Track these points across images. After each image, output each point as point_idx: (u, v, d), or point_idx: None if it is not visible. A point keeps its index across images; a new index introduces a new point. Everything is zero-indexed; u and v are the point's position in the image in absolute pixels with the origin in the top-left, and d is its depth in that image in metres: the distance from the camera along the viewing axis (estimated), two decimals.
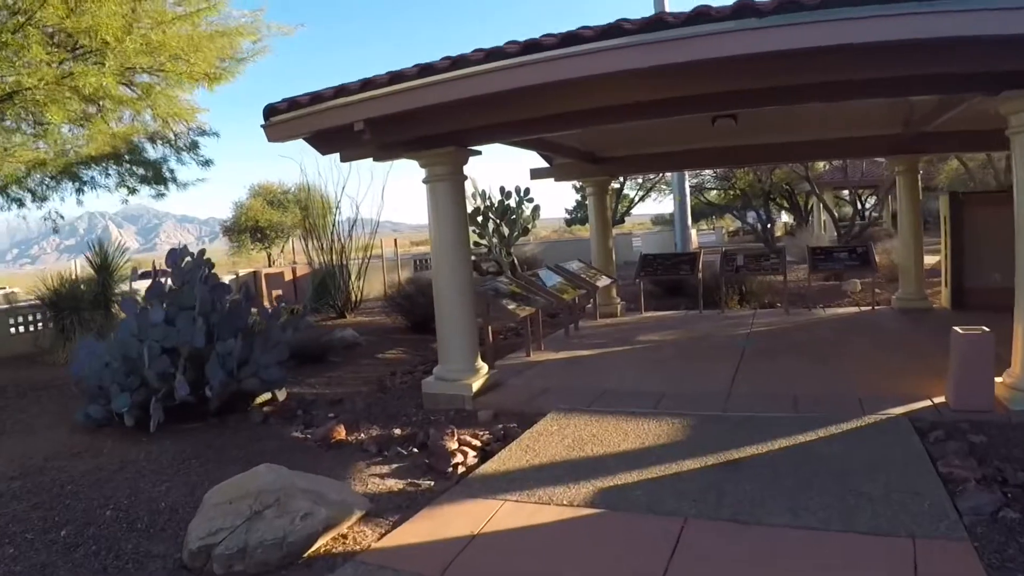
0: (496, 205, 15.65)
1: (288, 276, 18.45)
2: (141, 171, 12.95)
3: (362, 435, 6.60)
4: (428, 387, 7.28)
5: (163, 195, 13.46)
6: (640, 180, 37.36)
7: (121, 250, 12.63)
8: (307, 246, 14.87)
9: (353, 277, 14.89)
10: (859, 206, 34.33)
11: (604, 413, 6.07)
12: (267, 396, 8.08)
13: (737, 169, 26.06)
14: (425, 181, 7.07)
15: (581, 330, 10.71)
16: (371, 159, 7.65)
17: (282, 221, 26.95)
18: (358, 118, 5.93)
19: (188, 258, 7.98)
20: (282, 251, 28.35)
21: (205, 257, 8.05)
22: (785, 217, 36.68)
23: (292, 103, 6.56)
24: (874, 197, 30.57)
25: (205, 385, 6.91)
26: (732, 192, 31.74)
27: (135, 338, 7.18)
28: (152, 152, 13.17)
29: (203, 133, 13.30)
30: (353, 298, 14.89)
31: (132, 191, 13.20)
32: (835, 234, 22.47)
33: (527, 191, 15.66)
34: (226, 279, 19.30)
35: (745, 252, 13.39)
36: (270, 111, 6.74)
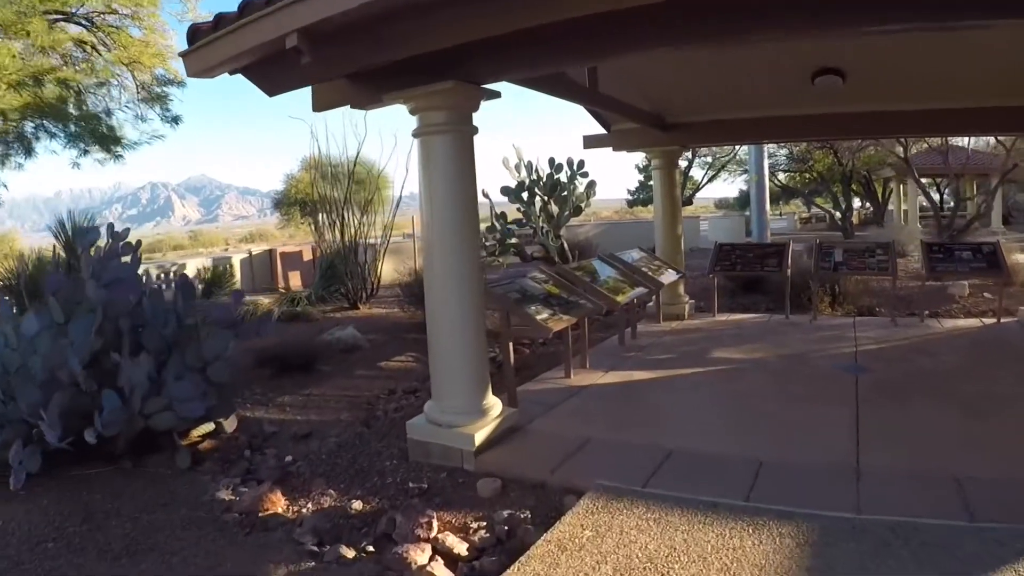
0: (544, 179, 13.37)
1: (307, 256, 16.60)
2: (72, 127, 11.07)
3: (308, 506, 4.65)
4: (416, 431, 5.20)
5: (119, 156, 11.70)
6: (710, 158, 34.35)
7: (91, 222, 10.83)
8: (316, 222, 12.89)
9: (370, 260, 12.88)
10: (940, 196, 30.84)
11: (668, 503, 3.86)
12: (208, 427, 6.16)
13: (826, 144, 23.26)
14: (416, 134, 4.93)
15: (640, 337, 8.49)
16: (361, 108, 5.53)
17: (333, 195, 25.40)
18: (291, 27, 3.84)
19: (111, 240, 6.09)
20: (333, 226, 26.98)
21: (126, 239, 6.12)
22: (856, 204, 33.47)
23: (219, 19, 4.52)
24: (955, 186, 27.15)
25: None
26: (808, 175, 28.87)
27: (15, 352, 5.31)
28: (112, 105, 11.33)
29: (169, 82, 11.43)
30: (369, 285, 12.92)
31: (84, 152, 11.44)
32: (918, 226, 19.69)
33: (581, 164, 13.33)
34: (239, 257, 17.92)
35: (844, 246, 10.88)
36: (193, 33, 4.73)
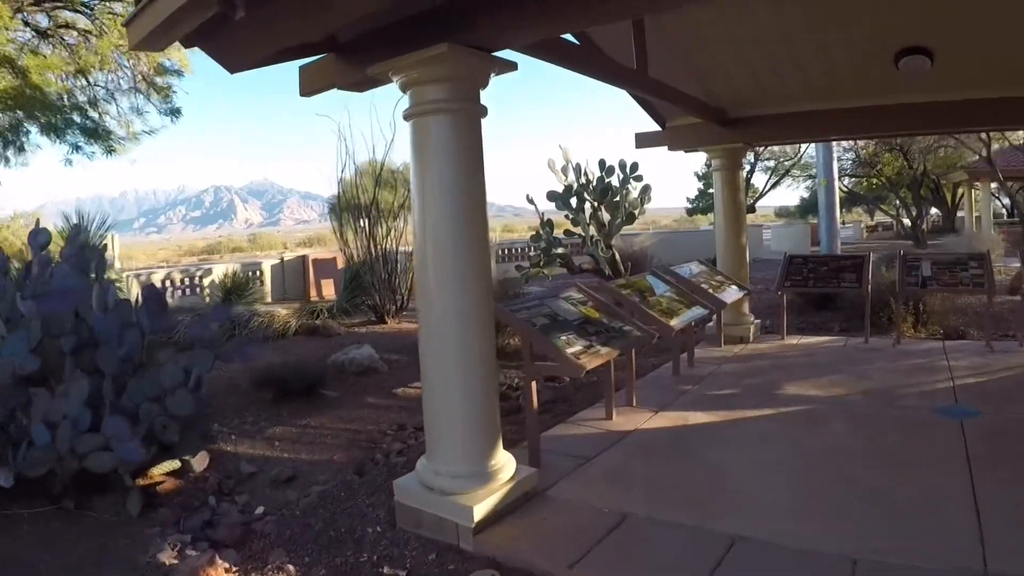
0: (595, 183, 12.22)
1: (342, 263, 15.75)
2: (50, 119, 10.30)
3: None
4: (404, 494, 4.11)
5: (112, 151, 10.94)
6: (772, 162, 32.44)
7: (100, 225, 10.08)
8: (340, 228, 11.94)
9: (402, 269, 11.89)
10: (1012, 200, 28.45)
11: None
12: (173, 465, 5.25)
13: (895, 146, 21.55)
14: (407, 116, 3.86)
15: (698, 365, 7.27)
16: (351, 88, 4.50)
17: (388, 200, 24.79)
18: None
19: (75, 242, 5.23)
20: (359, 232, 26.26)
21: (85, 242, 5.24)
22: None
23: None
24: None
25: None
26: (875, 180, 27.00)
27: None
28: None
29: (164, 71, 10.61)
30: (399, 297, 11.94)
31: (75, 148, 10.72)
32: (993, 234, 17.79)
33: (635, 166, 12.14)
34: (269, 263, 17.20)
35: (932, 258, 9.43)
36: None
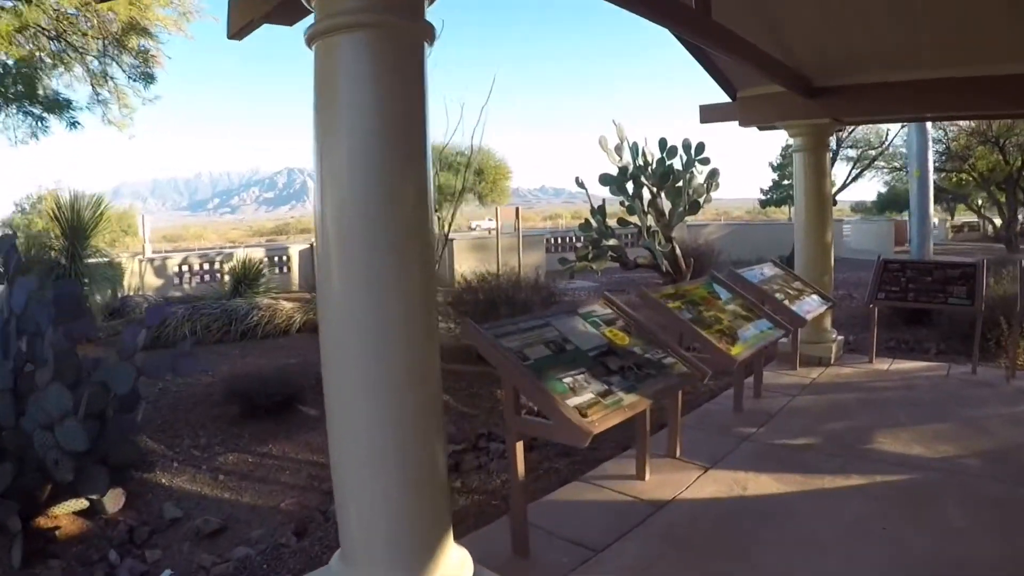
0: (654, 166, 10.69)
1: None
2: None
3: None
4: None
5: (75, 124, 9.95)
6: (853, 150, 29.62)
7: (97, 204, 9.12)
8: None
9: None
10: None
11: None
12: (80, 504, 4.19)
13: (990, 138, 19.23)
14: (311, 38, 2.44)
15: (766, 395, 5.79)
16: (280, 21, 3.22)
17: (453, 184, 23.74)
18: None
19: None
20: (451, 216, 25.19)
21: None
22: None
23: None
24: None
25: None
26: (966, 175, 24.45)
27: None
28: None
29: (137, 32, 9.49)
30: None
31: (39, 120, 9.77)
32: None
33: (700, 147, 10.55)
34: (297, 248, 16.13)
35: None
36: None
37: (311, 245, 15.25)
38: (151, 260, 13.23)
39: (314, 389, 6.45)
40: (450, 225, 11.13)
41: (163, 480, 4.75)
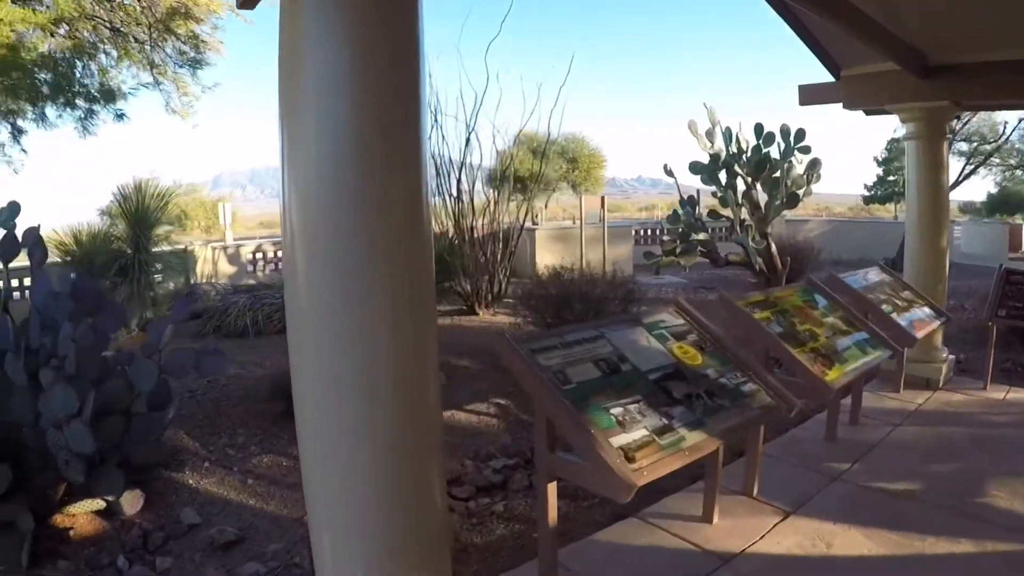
0: (748, 154, 9.83)
1: None
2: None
3: None
4: None
5: (121, 115, 9.81)
6: (965, 144, 26.91)
7: (164, 192, 8.99)
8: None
9: (500, 254, 10.09)
10: None
11: None
12: (96, 504, 3.91)
13: None
14: None
15: (864, 422, 4.98)
16: None
17: (546, 172, 23.32)
18: None
19: None
20: (545, 206, 24.81)
21: None
22: None
23: None
24: None
25: None
26: None
27: None
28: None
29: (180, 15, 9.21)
30: (498, 284, 10.18)
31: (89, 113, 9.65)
32: None
33: (800, 134, 9.61)
34: None
35: None
36: None
37: None
38: (224, 248, 13.24)
39: None
40: (527, 215, 10.56)
41: (191, 481, 4.43)
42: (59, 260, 8.08)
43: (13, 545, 3.54)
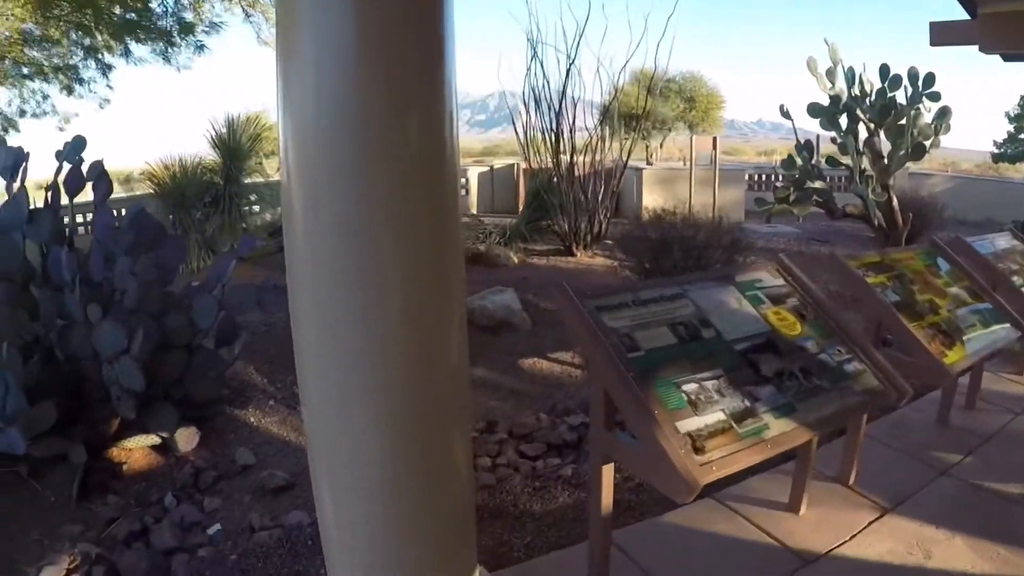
0: (872, 97, 8.84)
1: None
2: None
3: None
4: None
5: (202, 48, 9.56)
6: None
7: (257, 124, 8.90)
8: (526, 137, 9.64)
9: (601, 195, 9.50)
10: None
11: None
12: (151, 440, 3.82)
13: None
14: None
15: (982, 406, 4.25)
16: None
17: (662, 111, 22.49)
18: None
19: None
20: (661, 146, 24.07)
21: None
22: None
23: None
24: None
25: None
26: None
27: None
28: None
29: None
30: (598, 224, 9.65)
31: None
32: None
33: (930, 78, 8.52)
34: (477, 171, 15.45)
35: None
36: None
37: (491, 168, 14.67)
38: None
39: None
40: (630, 154, 9.94)
41: (252, 419, 4.28)
42: (152, 192, 8.19)
43: (66, 478, 3.49)
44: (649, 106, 11.66)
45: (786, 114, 9.51)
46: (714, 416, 2.06)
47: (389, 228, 1.63)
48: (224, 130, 8.27)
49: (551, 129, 9.24)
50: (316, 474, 1.92)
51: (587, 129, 9.65)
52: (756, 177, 17.91)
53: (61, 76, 9.86)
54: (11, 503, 3.43)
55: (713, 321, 2.49)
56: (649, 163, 17.69)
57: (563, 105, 9.17)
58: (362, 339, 1.69)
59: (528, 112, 9.38)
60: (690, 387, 2.13)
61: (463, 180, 14.23)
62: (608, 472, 2.24)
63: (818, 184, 9.35)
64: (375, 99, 1.52)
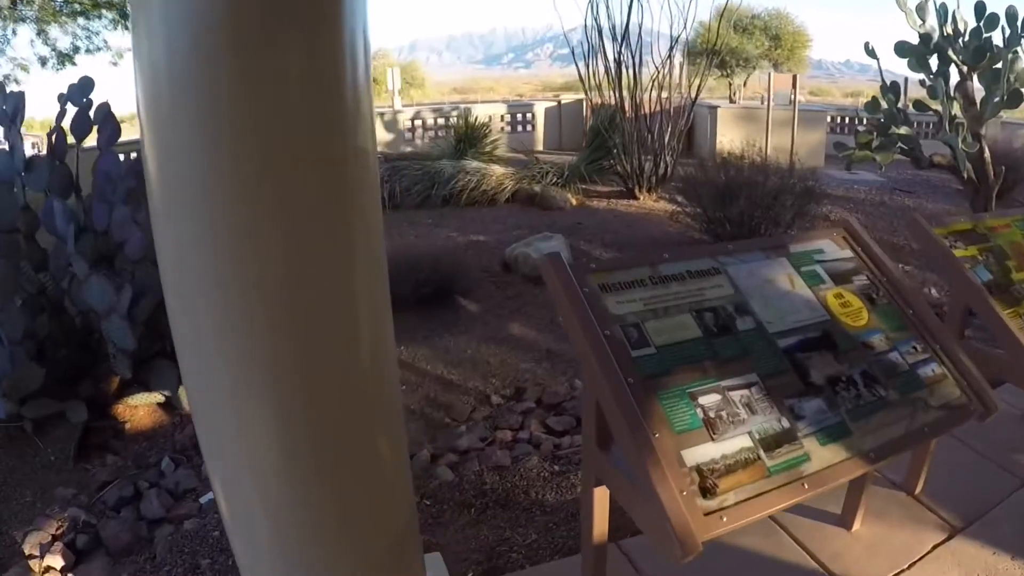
0: (966, 37, 7.76)
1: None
2: None
3: None
4: None
5: None
6: None
7: None
8: (587, 71, 8.82)
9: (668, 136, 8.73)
10: None
11: None
12: (153, 398, 3.57)
13: None
14: None
15: None
16: None
17: (746, 49, 21.24)
18: None
19: None
20: (744, 84, 22.88)
21: None
22: None
23: None
24: None
25: None
26: None
27: None
28: None
29: None
30: (663, 166, 8.93)
31: None
32: None
33: None
34: (543, 106, 14.57)
35: None
36: None
37: (558, 103, 13.90)
38: (381, 114, 12.70)
39: (482, 279, 5.44)
40: (699, 90, 9.14)
41: None
42: None
43: (71, 435, 3.28)
44: (732, 42, 10.72)
45: (871, 52, 8.49)
46: (737, 442, 1.57)
47: (268, 196, 1.19)
48: None
49: (616, 61, 8.49)
50: (215, 491, 1.55)
51: (655, 64, 8.85)
52: (838, 120, 16.51)
53: (108, 12, 9.65)
54: (14, 460, 3.26)
55: (754, 307, 1.96)
56: (732, 101, 16.62)
57: (627, 37, 8.39)
58: (237, 339, 1.27)
59: (590, 43, 8.65)
60: (710, 400, 1.64)
61: (528, 115, 13.55)
62: (602, 496, 1.79)
63: (903, 130, 8.37)
64: (238, 26, 1.06)
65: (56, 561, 2.66)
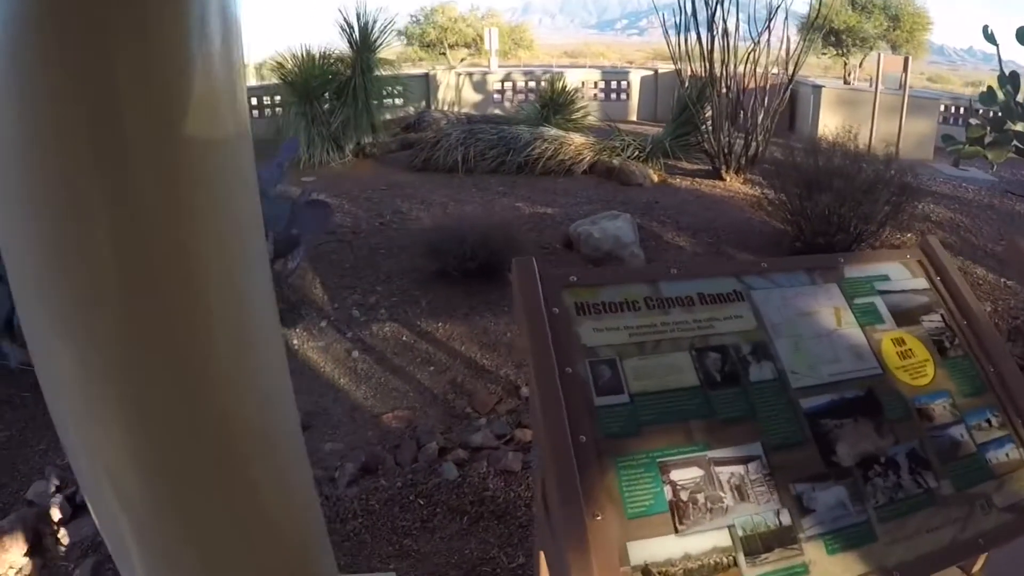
0: None
1: None
2: None
3: None
4: None
5: None
6: None
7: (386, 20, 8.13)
8: (678, 43, 8.05)
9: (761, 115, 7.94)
10: None
11: None
12: None
13: None
14: None
15: None
16: None
17: (864, 28, 19.75)
18: None
19: None
20: (860, 64, 21.41)
21: None
22: None
23: None
24: None
25: None
26: None
27: None
28: None
29: None
30: (754, 147, 8.18)
31: None
32: None
33: None
34: (639, 75, 13.72)
35: None
36: None
37: (655, 73, 13.10)
38: (470, 75, 12.29)
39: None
40: (797, 66, 8.29)
41: (295, 341, 3.78)
42: (278, 83, 7.83)
43: None
44: (849, 20, 9.68)
45: (990, 37, 7.41)
46: (710, 538, 1.16)
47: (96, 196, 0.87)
48: (354, 18, 7.68)
49: (709, 31, 7.76)
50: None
51: (752, 39, 8.06)
52: (952, 109, 14.85)
53: None
54: (32, 408, 3.20)
55: (777, 350, 1.52)
56: (847, 82, 15.35)
57: (719, 5, 7.62)
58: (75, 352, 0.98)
59: (683, 11, 7.93)
60: (686, 475, 1.23)
61: (623, 83, 12.84)
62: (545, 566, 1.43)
63: (1020, 126, 7.34)
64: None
65: (54, 513, 2.60)
